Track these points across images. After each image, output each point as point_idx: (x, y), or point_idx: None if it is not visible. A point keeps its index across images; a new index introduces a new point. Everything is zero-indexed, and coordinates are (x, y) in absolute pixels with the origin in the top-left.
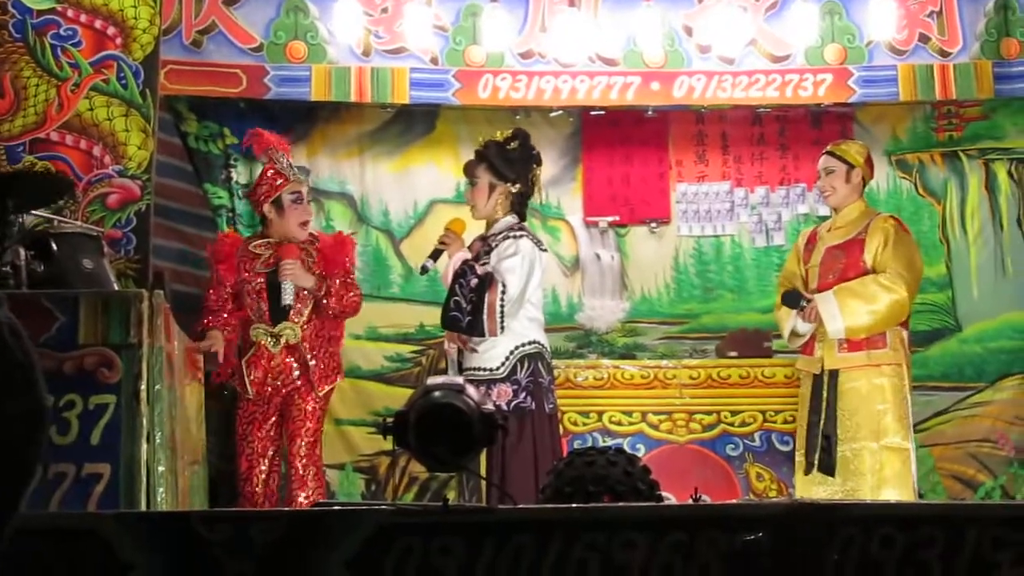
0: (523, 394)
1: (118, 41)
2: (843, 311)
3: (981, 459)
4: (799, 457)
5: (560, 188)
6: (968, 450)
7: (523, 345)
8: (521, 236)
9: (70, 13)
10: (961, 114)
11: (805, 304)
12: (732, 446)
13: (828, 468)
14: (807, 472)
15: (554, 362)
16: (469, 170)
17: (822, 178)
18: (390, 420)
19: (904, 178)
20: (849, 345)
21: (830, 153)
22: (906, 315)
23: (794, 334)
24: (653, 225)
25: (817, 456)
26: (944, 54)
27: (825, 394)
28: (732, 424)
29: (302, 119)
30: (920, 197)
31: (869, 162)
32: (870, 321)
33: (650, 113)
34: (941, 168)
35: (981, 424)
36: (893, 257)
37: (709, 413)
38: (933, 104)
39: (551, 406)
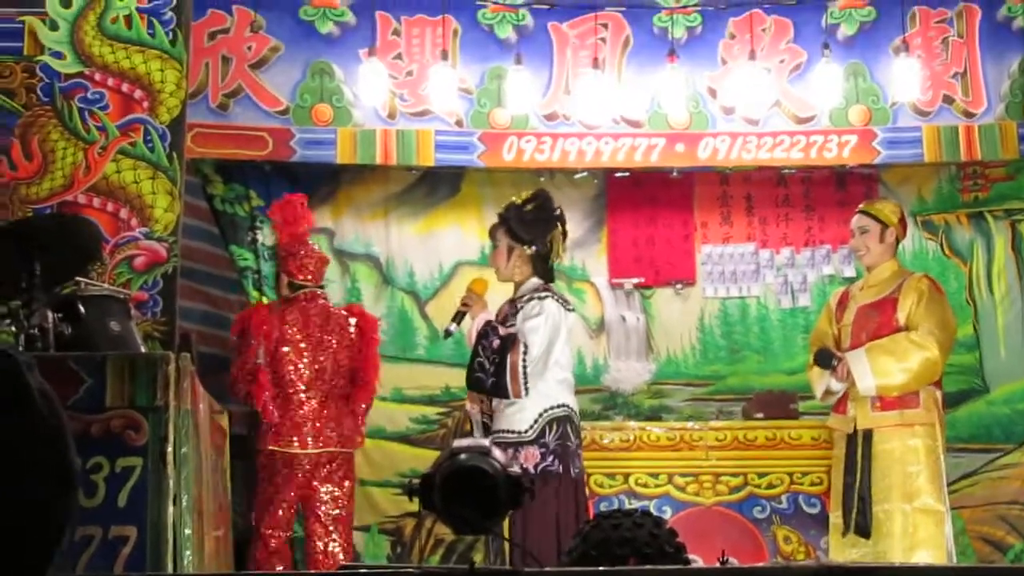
0: (551, 457)
1: (145, 104)
2: (874, 369)
3: (1011, 521)
4: (835, 519)
5: (585, 250)
6: (998, 512)
7: (552, 408)
8: (546, 297)
9: (97, 77)
10: (986, 175)
11: (836, 363)
12: (759, 508)
13: (863, 530)
14: (844, 534)
15: (581, 424)
16: (491, 233)
17: (856, 237)
18: (416, 482)
19: (930, 239)
20: (882, 404)
21: (864, 212)
22: (938, 374)
23: (828, 392)
24: (679, 287)
25: (853, 517)
26: (969, 115)
27: (859, 454)
28: (759, 486)
29: (327, 180)
30: (946, 258)
31: (903, 222)
32: (903, 380)
33: (675, 174)
34: (967, 229)
35: (1010, 486)
36: (926, 315)
37: (736, 475)
38: (958, 165)
39: (577, 470)
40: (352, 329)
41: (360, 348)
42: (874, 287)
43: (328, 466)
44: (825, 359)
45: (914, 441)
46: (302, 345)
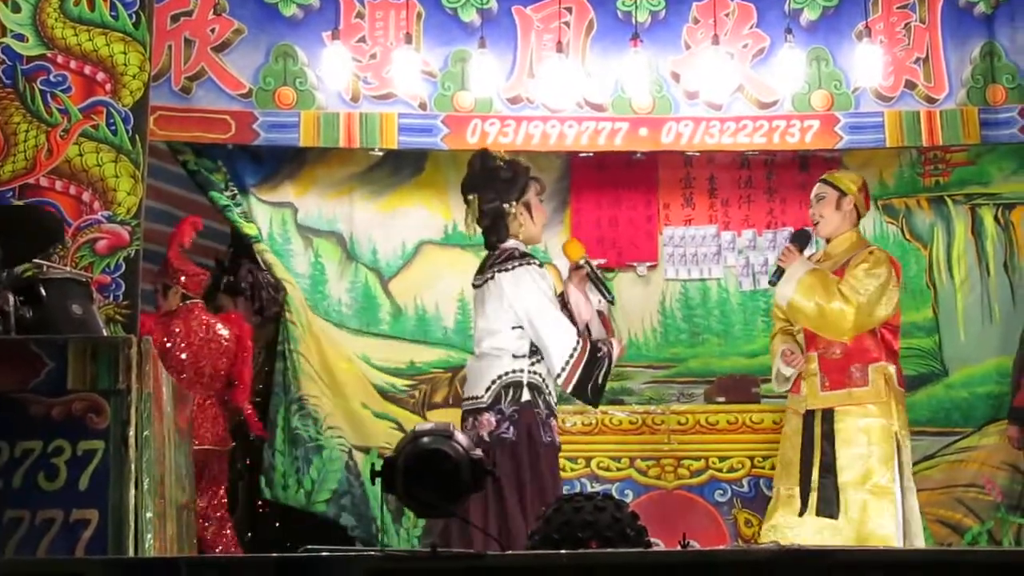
0: (506, 424)
1: (108, 87)
2: (800, 284)
3: (968, 504)
4: (786, 491)
5: (548, 231)
6: (955, 495)
7: (507, 373)
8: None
9: (60, 59)
10: (947, 159)
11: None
12: (720, 492)
13: (830, 511)
14: (802, 513)
15: None
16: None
17: (813, 205)
18: (377, 467)
19: (891, 223)
20: (831, 383)
21: (823, 180)
22: (843, 334)
23: (780, 376)
24: (641, 268)
25: (815, 498)
26: (931, 100)
27: (819, 432)
28: (720, 470)
29: (291, 159)
30: (907, 242)
31: (864, 192)
32: (810, 312)
33: (638, 156)
34: (928, 213)
35: (968, 469)
36: (864, 279)
37: (697, 459)
38: (920, 150)
39: (548, 438)
40: (228, 337)
41: (236, 354)
42: (831, 258)
43: (205, 464)
44: (803, 237)
45: (867, 421)
46: (183, 356)
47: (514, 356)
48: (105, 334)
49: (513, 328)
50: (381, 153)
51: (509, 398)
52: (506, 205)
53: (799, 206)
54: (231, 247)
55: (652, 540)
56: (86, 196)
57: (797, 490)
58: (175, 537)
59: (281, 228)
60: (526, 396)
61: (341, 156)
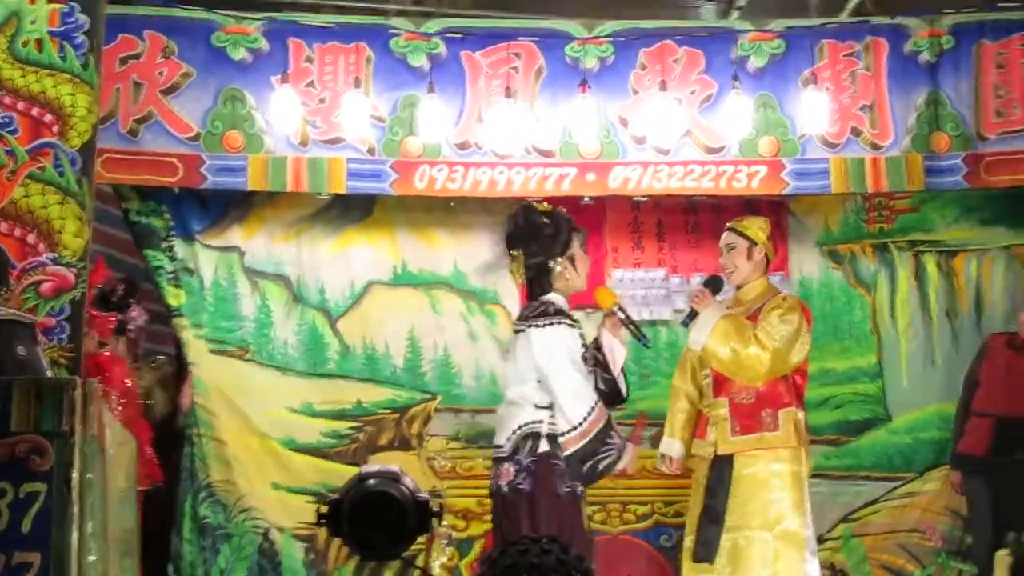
0: (523, 475)
1: (55, 129)
2: (715, 330)
3: (910, 549)
4: (688, 543)
5: (497, 273)
6: (898, 540)
7: (528, 424)
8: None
9: (7, 100)
10: (891, 206)
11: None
12: (666, 536)
13: (704, 556)
14: (695, 559)
15: (490, 449)
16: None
17: (724, 254)
18: (323, 510)
19: (836, 269)
20: (741, 428)
21: (731, 229)
22: (758, 380)
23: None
24: (589, 310)
25: (696, 542)
26: (876, 147)
27: (719, 478)
28: (666, 515)
29: (238, 203)
30: (852, 288)
31: (773, 239)
32: (726, 358)
33: (586, 201)
34: (872, 260)
35: (910, 514)
36: (778, 325)
37: (643, 503)
38: (865, 196)
39: (566, 489)
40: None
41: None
42: (741, 304)
43: None
44: (716, 283)
45: (778, 466)
46: None
47: (536, 407)
48: (49, 376)
49: (538, 380)
50: (329, 197)
51: (527, 449)
52: (551, 262)
53: None
54: (123, 282)
55: None
56: (31, 238)
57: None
58: None
59: (227, 272)
60: (543, 447)
61: (289, 199)
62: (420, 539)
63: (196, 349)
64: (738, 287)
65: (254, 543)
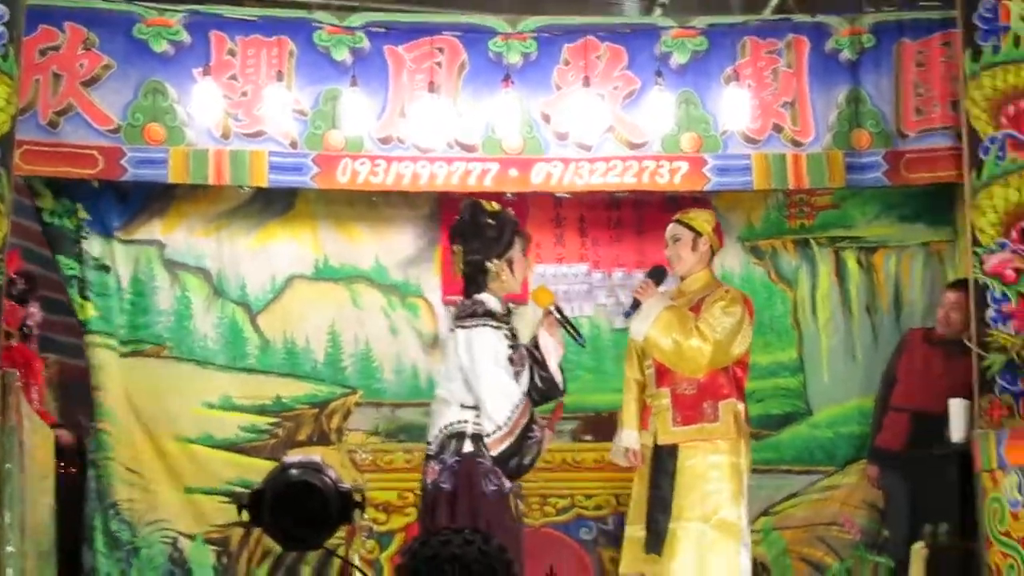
0: (446, 474)
1: None
2: (657, 320)
3: (829, 542)
4: (631, 532)
5: (419, 267)
6: (817, 533)
7: (454, 423)
8: None
9: None
10: (812, 203)
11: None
12: (586, 530)
13: (654, 546)
14: (647, 550)
15: (410, 443)
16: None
17: (669, 246)
18: (245, 499)
19: (757, 264)
20: (682, 418)
21: (677, 221)
22: (699, 371)
23: (618, 450)
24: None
25: (648, 532)
26: (797, 144)
27: (663, 468)
28: (586, 508)
29: (158, 197)
30: (773, 284)
31: (718, 231)
32: (667, 348)
33: (508, 196)
34: (793, 255)
35: (830, 507)
36: (720, 317)
37: (563, 496)
38: (786, 192)
39: (492, 488)
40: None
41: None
42: (684, 296)
43: None
44: (660, 274)
45: (717, 457)
46: None
47: (462, 406)
48: None
49: (464, 380)
50: (251, 191)
51: (452, 448)
52: (488, 263)
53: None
54: (23, 276)
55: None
56: None
57: (645, 531)
58: (35, 572)
59: (146, 266)
60: (468, 447)
61: (210, 193)
62: (340, 532)
63: (106, 363)
64: (682, 278)
65: (164, 553)
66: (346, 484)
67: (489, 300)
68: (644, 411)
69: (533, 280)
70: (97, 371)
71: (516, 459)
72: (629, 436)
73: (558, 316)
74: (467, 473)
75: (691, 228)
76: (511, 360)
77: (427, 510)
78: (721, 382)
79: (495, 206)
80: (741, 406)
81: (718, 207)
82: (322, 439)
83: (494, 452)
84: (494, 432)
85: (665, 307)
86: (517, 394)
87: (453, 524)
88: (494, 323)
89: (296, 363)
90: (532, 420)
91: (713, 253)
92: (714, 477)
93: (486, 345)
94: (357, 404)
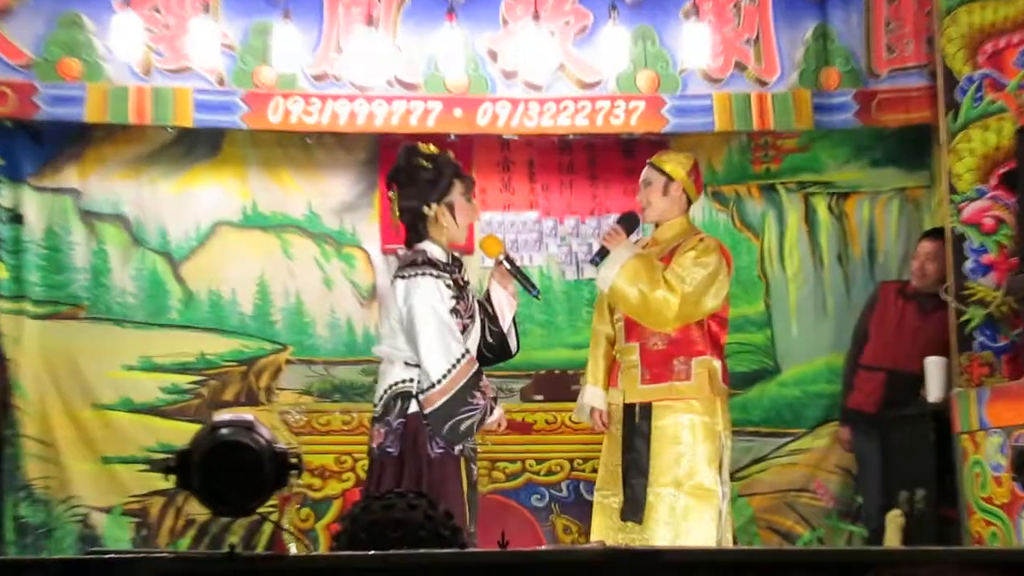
0: (391, 437)
1: None
2: (624, 270)
3: (799, 509)
4: (601, 499)
5: (356, 214)
6: (786, 500)
7: (398, 383)
8: None
9: None
10: (779, 145)
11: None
12: (537, 496)
13: (633, 514)
14: (624, 518)
15: (347, 403)
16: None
17: (641, 190)
18: (172, 458)
19: (721, 211)
20: (651, 376)
21: (650, 164)
22: (665, 324)
23: (582, 409)
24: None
25: (624, 500)
26: (762, 83)
27: (635, 430)
28: (538, 473)
29: (73, 138)
30: (737, 231)
31: (695, 175)
32: (633, 299)
33: (452, 138)
34: (759, 201)
35: (799, 472)
36: (691, 267)
37: (513, 461)
38: (750, 135)
39: (439, 451)
40: None
41: None
42: (658, 244)
43: None
44: (631, 221)
45: (689, 417)
46: None
47: (407, 364)
48: None
49: (406, 335)
50: (174, 132)
51: (397, 409)
52: (425, 207)
53: (623, 192)
54: None
55: (469, 541)
56: None
57: (619, 497)
58: None
59: (61, 218)
60: (413, 408)
61: (130, 134)
62: (272, 500)
63: (16, 330)
64: (656, 225)
65: (73, 533)
66: (281, 444)
67: (431, 248)
68: (614, 367)
69: (480, 229)
70: (6, 338)
71: (451, 422)
72: (594, 394)
73: (508, 266)
74: (412, 435)
75: (662, 172)
76: (457, 313)
77: (373, 478)
78: (694, 337)
79: (432, 148)
80: (717, 363)
81: (677, 149)
82: (250, 399)
83: (427, 410)
84: (428, 388)
85: (633, 255)
86: (458, 349)
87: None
88: (434, 272)
89: (222, 317)
90: (476, 382)
91: (690, 200)
92: (686, 439)
93: (425, 295)
94: (288, 361)
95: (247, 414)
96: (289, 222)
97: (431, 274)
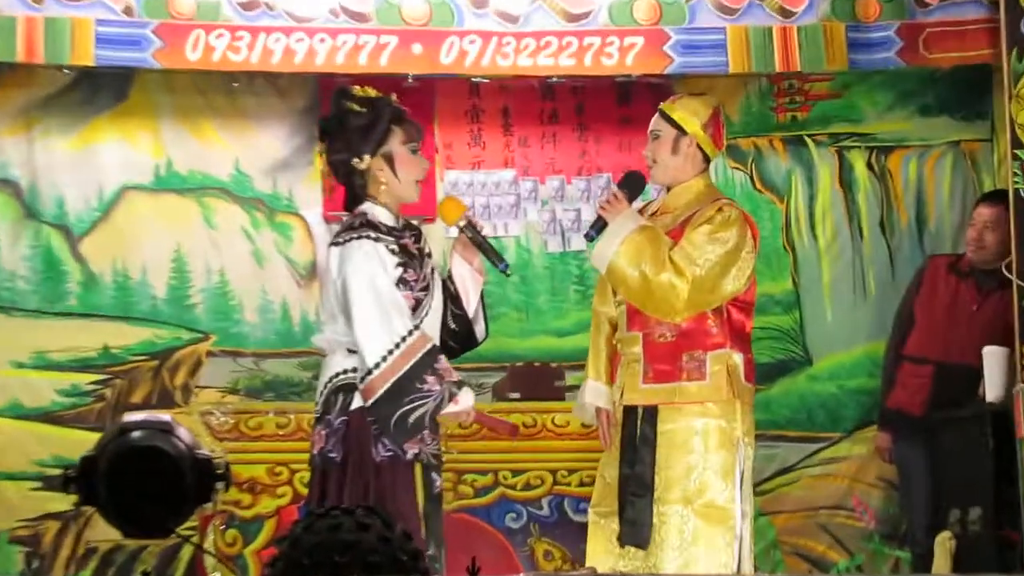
0: (332, 440)
1: None
2: (626, 245)
3: (833, 532)
4: (606, 520)
5: (293, 174)
6: (818, 520)
7: (339, 375)
8: None
9: None
10: (807, 90)
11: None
12: (513, 515)
13: (638, 538)
14: (623, 543)
15: (282, 403)
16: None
17: (648, 144)
18: (72, 470)
19: (737, 168)
20: (654, 374)
21: (660, 112)
22: (669, 314)
23: (580, 409)
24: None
25: (622, 521)
26: (786, 14)
27: (638, 436)
28: (513, 487)
29: None
30: (757, 193)
31: (712, 126)
32: (634, 281)
33: (410, 81)
34: (783, 157)
35: (835, 486)
36: (705, 243)
37: (483, 473)
38: (772, 78)
39: (387, 453)
40: None
41: None
42: (669, 212)
43: None
44: (635, 183)
45: (704, 421)
46: None
47: (349, 351)
48: None
49: (345, 314)
50: (72, 73)
51: (338, 406)
52: (356, 160)
53: (618, 147)
54: None
55: (430, 567)
56: None
57: (617, 519)
58: None
59: None
60: (356, 403)
61: (18, 77)
62: (192, 520)
63: None
64: (668, 188)
65: None
66: (205, 451)
67: (373, 210)
68: (617, 357)
69: (443, 190)
70: None
71: (396, 415)
72: (597, 390)
73: (470, 235)
74: (356, 435)
75: (671, 122)
76: (406, 283)
77: (315, 490)
78: (709, 327)
79: (370, 91)
80: (739, 358)
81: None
82: (164, 400)
83: (367, 402)
84: (365, 376)
85: (637, 227)
86: (403, 326)
87: (343, 501)
88: (373, 235)
89: (130, 302)
90: (429, 365)
91: (708, 158)
92: (698, 447)
93: (361, 262)
94: (209, 353)
95: (164, 414)
96: (211, 184)
97: (368, 236)
